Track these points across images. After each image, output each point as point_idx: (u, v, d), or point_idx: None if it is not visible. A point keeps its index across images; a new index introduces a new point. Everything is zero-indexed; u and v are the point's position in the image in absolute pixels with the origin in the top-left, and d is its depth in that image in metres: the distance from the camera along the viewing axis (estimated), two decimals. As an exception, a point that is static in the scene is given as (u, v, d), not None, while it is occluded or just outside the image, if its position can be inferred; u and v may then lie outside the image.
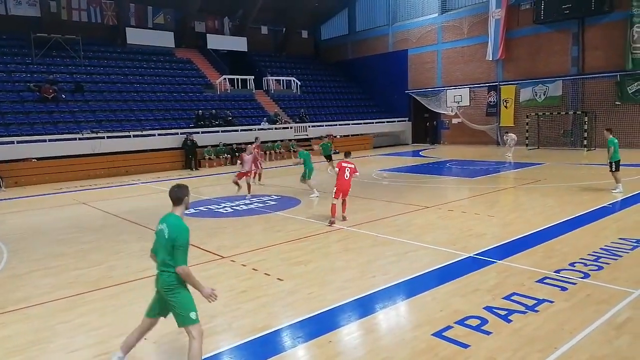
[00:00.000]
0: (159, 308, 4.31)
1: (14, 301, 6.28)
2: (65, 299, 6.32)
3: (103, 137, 21.83)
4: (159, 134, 23.52)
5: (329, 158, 19.05)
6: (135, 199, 15.36)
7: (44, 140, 20.52)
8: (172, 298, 4.13)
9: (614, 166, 12.31)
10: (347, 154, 10.84)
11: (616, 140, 12.42)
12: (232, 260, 7.77)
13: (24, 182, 19.22)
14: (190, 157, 23.38)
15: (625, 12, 22.99)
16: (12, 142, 19.67)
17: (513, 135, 23.09)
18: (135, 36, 30.14)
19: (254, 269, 7.24)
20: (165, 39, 31.14)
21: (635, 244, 7.70)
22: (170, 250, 4.06)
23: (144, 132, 23.23)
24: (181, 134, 23.75)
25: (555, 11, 25.14)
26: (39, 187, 18.51)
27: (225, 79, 30.25)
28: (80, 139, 21.34)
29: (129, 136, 22.56)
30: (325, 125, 30.30)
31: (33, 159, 20.12)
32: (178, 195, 4.33)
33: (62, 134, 21.43)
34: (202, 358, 4.48)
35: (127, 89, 26.73)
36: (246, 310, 5.69)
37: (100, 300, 6.24)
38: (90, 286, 6.76)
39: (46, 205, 14.66)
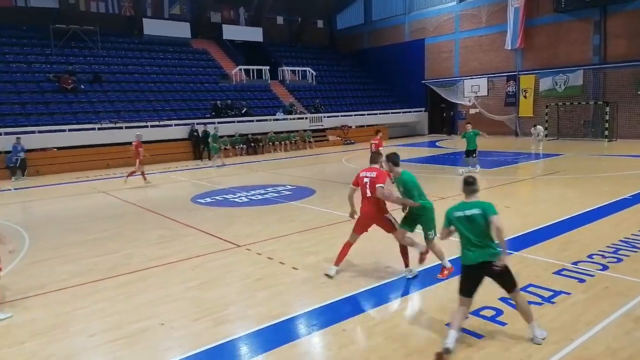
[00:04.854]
0: None
1: (35, 287, 6.43)
2: (83, 285, 6.45)
3: (121, 127, 22.10)
4: (175, 124, 23.72)
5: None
6: (153, 188, 15.54)
7: (64, 130, 20.90)
8: None
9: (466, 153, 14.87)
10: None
11: (471, 133, 14.91)
12: (247, 249, 7.84)
13: (45, 171, 19.62)
14: (203, 147, 23.52)
15: (651, -2, 22.34)
16: (33, 132, 20.07)
17: (541, 127, 22.47)
18: (152, 27, 30.33)
19: (269, 258, 7.29)
20: (181, 30, 31.27)
21: (657, 237, 7.54)
22: None
23: (161, 123, 23.45)
24: (197, 124, 23.90)
25: (576, -1, 24.54)
26: (59, 176, 18.87)
27: (240, 69, 30.28)
28: (99, 128, 21.66)
29: (147, 126, 22.79)
30: (341, 116, 30.21)
31: (53, 148, 20.51)
32: None
33: (81, 124, 21.78)
34: (219, 343, 4.59)
35: (144, 80, 26.98)
36: (261, 298, 5.74)
37: (116, 287, 6.35)
38: (107, 273, 6.88)
39: (66, 193, 14.94)
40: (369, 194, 6.11)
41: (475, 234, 4.43)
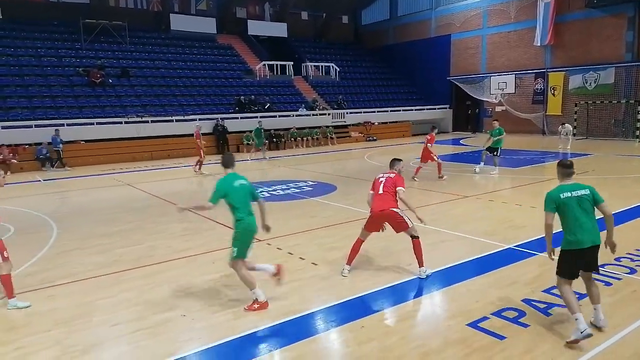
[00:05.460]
0: None
1: (61, 276, 6.61)
2: (108, 275, 6.60)
3: (147, 121, 22.49)
4: (200, 119, 23.97)
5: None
6: (178, 181, 15.78)
7: (92, 124, 21.39)
8: None
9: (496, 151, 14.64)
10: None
11: (496, 131, 14.63)
12: (268, 244, 7.88)
13: (73, 164, 20.11)
14: (222, 142, 23.72)
15: (689, -7, 21.49)
16: (63, 125, 20.58)
17: (569, 126, 21.96)
18: (179, 22, 30.72)
19: (289, 253, 7.33)
20: (207, 25, 31.57)
21: (690, 241, 7.28)
22: None
23: (186, 117, 23.77)
24: (221, 119, 24.12)
25: (610, -6, 23.79)
26: (87, 168, 19.34)
27: (264, 64, 30.40)
28: (126, 122, 22.09)
29: (172, 120, 23.13)
30: (363, 112, 30.06)
31: (82, 141, 21.02)
32: None
33: (109, 117, 22.24)
34: (239, 336, 4.65)
35: (170, 75, 27.37)
36: (281, 293, 5.77)
37: (140, 278, 6.47)
38: (131, 264, 7.02)
39: (93, 185, 15.30)
40: (381, 191, 6.07)
41: (586, 215, 4.35)
